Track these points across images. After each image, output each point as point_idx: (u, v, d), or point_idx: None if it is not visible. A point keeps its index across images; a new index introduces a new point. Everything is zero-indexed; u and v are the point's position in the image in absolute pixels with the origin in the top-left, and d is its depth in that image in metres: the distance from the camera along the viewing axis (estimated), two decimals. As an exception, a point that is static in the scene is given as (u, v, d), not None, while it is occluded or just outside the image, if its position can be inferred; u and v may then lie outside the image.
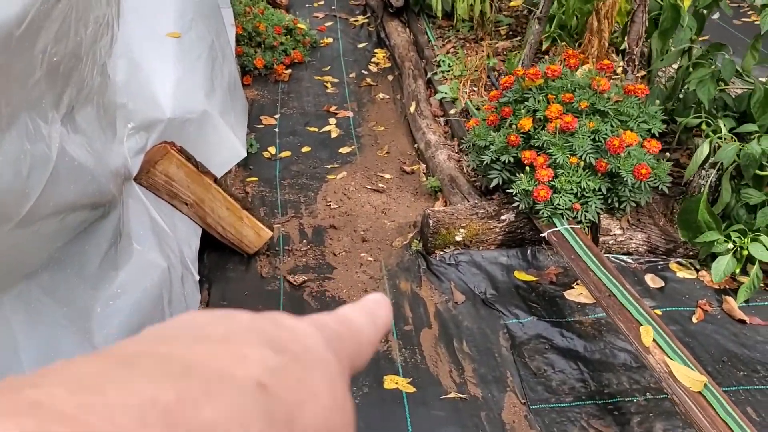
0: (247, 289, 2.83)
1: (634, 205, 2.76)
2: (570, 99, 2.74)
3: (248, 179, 3.54)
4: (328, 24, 5.58)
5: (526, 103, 2.87)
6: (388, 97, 4.48)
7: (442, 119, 3.96)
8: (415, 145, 3.83)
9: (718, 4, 2.80)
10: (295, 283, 2.81)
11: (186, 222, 2.81)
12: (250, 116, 4.14)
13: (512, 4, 5.24)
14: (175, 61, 2.97)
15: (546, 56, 4.08)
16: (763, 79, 2.81)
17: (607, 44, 3.63)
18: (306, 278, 2.83)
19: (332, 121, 4.15)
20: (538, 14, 3.32)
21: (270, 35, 4.71)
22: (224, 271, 2.90)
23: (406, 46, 4.79)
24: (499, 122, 2.94)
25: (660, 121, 2.77)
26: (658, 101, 3.08)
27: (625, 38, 2.93)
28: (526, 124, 2.78)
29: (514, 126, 2.84)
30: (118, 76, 2.78)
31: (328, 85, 4.60)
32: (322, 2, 6.02)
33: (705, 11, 2.83)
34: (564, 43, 3.76)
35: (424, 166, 3.64)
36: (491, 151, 2.84)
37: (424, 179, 3.54)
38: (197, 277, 2.73)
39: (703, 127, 2.88)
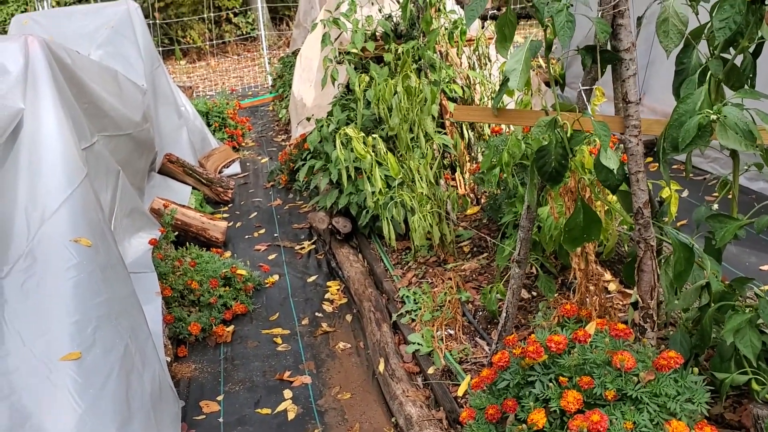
0: None
1: None
2: (590, 384, 2.13)
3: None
4: (272, 257, 5.03)
5: (531, 389, 2.25)
6: (349, 346, 3.83)
7: (419, 378, 3.31)
8: (393, 419, 3.13)
9: (737, 236, 2.33)
10: None
11: None
12: (187, 403, 3.41)
13: (469, 212, 4.82)
14: (75, 395, 2.29)
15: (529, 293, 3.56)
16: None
17: (598, 267, 3.13)
18: None
19: (287, 393, 3.44)
20: (517, 257, 2.80)
21: (205, 291, 4.10)
22: None
23: (362, 280, 4.23)
24: (501, 416, 2.29)
25: (705, 393, 2.17)
26: (682, 346, 2.51)
27: (634, 289, 2.40)
28: (539, 419, 2.14)
29: (523, 423, 2.20)
30: (-7, 438, 2.07)
31: (279, 340, 3.94)
32: (263, 231, 5.53)
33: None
34: (557, 294, 3.23)
35: (408, 451, 2.93)
36: (500, 463, 2.16)
37: (412, 472, 2.81)
38: None
39: (754, 386, 2.29)
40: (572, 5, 2.24)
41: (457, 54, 4.82)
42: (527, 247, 2.80)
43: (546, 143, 2.42)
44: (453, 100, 4.92)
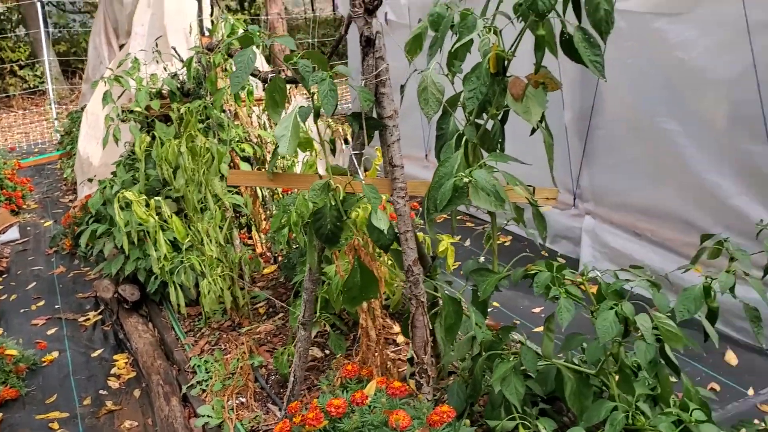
0: None
1: None
2: (368, 447, 2.14)
3: None
4: (52, 331, 4.60)
5: (313, 457, 2.22)
6: (137, 424, 3.56)
7: (209, 453, 3.15)
8: (180, 501, 2.94)
9: (497, 288, 2.49)
10: None
11: None
12: None
13: (266, 271, 4.76)
14: None
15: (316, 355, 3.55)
16: (576, 361, 2.48)
17: (383, 317, 3.19)
18: None
19: (62, 486, 3.12)
20: (302, 319, 2.78)
21: (-35, 377, 3.64)
22: None
23: (150, 352, 3.98)
24: (283, 489, 2.22)
25: (477, 441, 2.26)
26: (459, 396, 2.61)
27: (410, 346, 2.47)
28: (320, 489, 2.10)
29: (305, 494, 2.15)
30: None
31: (55, 425, 3.57)
32: (42, 303, 5.05)
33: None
34: (343, 354, 3.24)
35: None
36: None
37: None
38: None
39: (521, 431, 2.43)
40: (336, 74, 2.31)
41: (248, 113, 4.81)
42: (311, 308, 2.79)
43: (321, 206, 2.45)
44: (246, 159, 4.88)
